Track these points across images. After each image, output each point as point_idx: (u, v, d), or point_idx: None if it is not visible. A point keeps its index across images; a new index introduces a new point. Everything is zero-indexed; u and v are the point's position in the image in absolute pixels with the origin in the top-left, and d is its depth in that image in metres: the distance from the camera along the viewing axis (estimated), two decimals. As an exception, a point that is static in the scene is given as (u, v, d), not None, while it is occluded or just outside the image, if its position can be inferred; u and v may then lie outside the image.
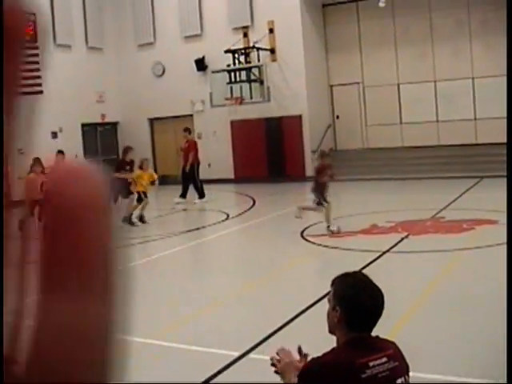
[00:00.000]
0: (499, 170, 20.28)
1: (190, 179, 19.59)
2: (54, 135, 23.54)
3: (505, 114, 21.99)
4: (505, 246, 10.35)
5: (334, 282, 3.24)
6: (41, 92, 21.84)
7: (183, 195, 19.43)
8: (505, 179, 18.52)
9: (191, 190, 19.36)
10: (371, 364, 2.97)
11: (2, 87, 0.37)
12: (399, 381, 2.99)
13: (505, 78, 21.93)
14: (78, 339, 0.32)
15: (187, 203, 18.96)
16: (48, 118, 22.74)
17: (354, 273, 3.36)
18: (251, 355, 6.39)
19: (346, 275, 3.27)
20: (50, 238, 0.35)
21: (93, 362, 0.33)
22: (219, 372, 5.97)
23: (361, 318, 3.09)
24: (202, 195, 19.52)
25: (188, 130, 20.36)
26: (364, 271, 9.53)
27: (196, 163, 19.69)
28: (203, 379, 5.78)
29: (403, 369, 3.06)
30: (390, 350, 3.07)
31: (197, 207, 18.86)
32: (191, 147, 19.77)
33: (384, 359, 3.00)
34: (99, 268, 0.36)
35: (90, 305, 0.34)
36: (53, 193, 0.36)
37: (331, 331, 3.18)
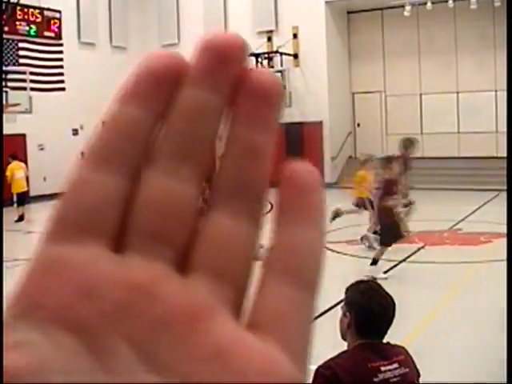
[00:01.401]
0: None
1: None
2: (75, 132, 23.67)
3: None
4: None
5: (347, 289, 3.30)
6: (63, 89, 22.04)
7: None
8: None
9: None
10: (383, 369, 2.99)
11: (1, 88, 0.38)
12: None
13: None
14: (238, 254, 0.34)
15: None
16: (70, 114, 22.92)
17: (367, 281, 3.42)
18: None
19: (358, 282, 3.36)
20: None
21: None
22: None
23: (371, 325, 3.13)
24: None
25: None
26: (381, 280, 9.56)
27: None
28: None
29: (414, 375, 3.09)
30: (401, 355, 3.10)
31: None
32: None
33: (395, 365, 3.03)
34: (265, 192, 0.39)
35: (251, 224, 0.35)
36: None
37: (343, 337, 3.23)
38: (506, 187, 19.69)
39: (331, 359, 3.04)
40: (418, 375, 3.15)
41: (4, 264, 10.07)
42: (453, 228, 13.95)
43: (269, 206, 0.37)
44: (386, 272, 10.09)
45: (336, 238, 13.09)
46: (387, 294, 3.28)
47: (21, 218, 16.51)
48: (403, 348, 3.21)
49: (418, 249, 11.84)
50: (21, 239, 13.88)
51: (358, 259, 11.48)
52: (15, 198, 17.05)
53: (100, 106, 23.49)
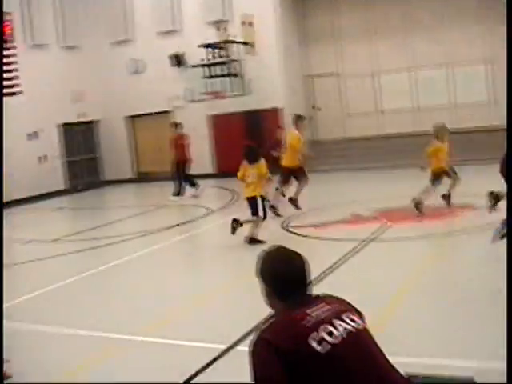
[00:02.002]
0: (478, 155, 20.45)
1: (182, 175, 19.54)
2: (32, 136, 23.35)
3: (482, 99, 22.31)
4: (486, 231, 10.47)
5: (257, 262, 3.31)
6: (19, 93, 21.72)
7: (177, 193, 19.37)
8: (485, 165, 18.72)
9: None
10: (310, 312, 3.03)
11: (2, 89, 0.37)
12: (345, 315, 3.05)
13: (481, 66, 22.24)
14: None
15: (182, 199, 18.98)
16: (26, 118, 22.63)
17: (269, 248, 3.36)
18: (239, 347, 6.40)
19: (265, 252, 3.33)
20: None
21: None
22: (207, 365, 5.99)
23: (285, 286, 3.16)
24: (192, 184, 19.66)
25: (174, 125, 20.23)
26: (347, 261, 9.62)
27: (183, 159, 19.56)
28: (192, 372, 5.79)
29: (348, 308, 3.16)
30: (327, 298, 3.19)
31: (178, 203, 18.77)
32: (176, 142, 19.71)
33: (323, 304, 3.10)
34: None
35: None
36: None
37: (272, 307, 3.25)
38: (468, 158, 19.92)
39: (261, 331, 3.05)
40: (356, 310, 3.21)
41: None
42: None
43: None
44: (353, 252, 10.12)
45: (300, 222, 13.10)
46: (293, 252, 3.29)
47: None
48: (333, 296, 3.28)
49: (383, 227, 11.89)
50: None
51: (324, 241, 11.51)
52: None
53: (56, 108, 23.30)
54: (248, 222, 12.00)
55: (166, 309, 8.25)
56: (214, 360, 6.12)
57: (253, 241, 11.61)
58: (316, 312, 3.03)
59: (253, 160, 12.09)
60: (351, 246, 10.44)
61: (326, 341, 2.91)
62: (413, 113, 23.62)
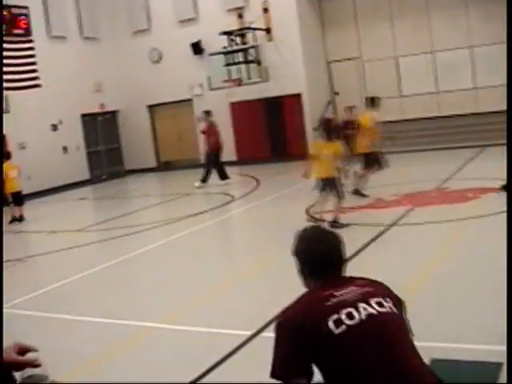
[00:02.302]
0: (501, 138, 20.26)
1: (213, 162, 19.43)
2: (54, 127, 23.51)
3: (504, 81, 22.02)
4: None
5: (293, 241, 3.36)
6: (39, 85, 21.84)
7: (204, 179, 19.25)
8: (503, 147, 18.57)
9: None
10: (337, 293, 3.05)
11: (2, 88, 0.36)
12: (374, 300, 3.03)
13: (503, 46, 21.93)
14: None
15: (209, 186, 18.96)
16: (47, 110, 22.76)
17: (305, 228, 3.40)
18: (264, 334, 6.41)
19: (298, 233, 3.38)
20: None
21: None
22: (233, 352, 6.00)
23: (318, 266, 3.21)
24: (222, 177, 19.45)
25: (207, 113, 20.12)
26: (372, 245, 9.59)
27: (217, 146, 19.46)
28: (217, 360, 5.81)
29: (381, 292, 3.12)
30: (360, 281, 3.17)
31: (203, 190, 18.80)
32: (210, 130, 19.57)
33: (353, 287, 3.09)
34: None
35: None
36: None
37: (307, 287, 3.32)
38: (490, 143, 19.81)
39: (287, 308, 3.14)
40: (392, 295, 3.18)
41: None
42: (440, 187, 13.98)
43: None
44: (376, 237, 10.10)
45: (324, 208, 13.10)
46: (327, 231, 3.39)
47: (20, 218, 16.26)
48: (365, 278, 3.25)
49: (408, 211, 11.85)
50: (11, 239, 13.78)
51: (350, 227, 11.49)
52: (10, 199, 16.78)
53: (77, 99, 23.45)
54: (336, 211, 11.46)
55: (192, 296, 8.27)
56: (240, 347, 6.13)
57: (335, 224, 10.93)
58: (343, 293, 3.05)
59: (331, 137, 11.43)
60: (375, 231, 10.41)
61: (343, 322, 2.94)
62: (433, 96, 23.40)
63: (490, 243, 9.20)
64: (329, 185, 11.41)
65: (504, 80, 21.93)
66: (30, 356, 2.43)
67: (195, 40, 24.40)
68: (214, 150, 19.32)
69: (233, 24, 23.18)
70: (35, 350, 2.48)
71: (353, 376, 2.93)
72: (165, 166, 26.66)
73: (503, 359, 3.96)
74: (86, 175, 24.74)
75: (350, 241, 10.04)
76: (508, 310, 4.01)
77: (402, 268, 8.19)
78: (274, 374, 2.99)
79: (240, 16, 23.57)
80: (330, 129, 11.76)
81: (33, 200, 20.52)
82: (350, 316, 2.96)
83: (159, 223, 13.97)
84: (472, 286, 7.29)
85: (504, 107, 21.54)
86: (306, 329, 2.94)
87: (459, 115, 22.48)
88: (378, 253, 9.34)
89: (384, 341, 2.95)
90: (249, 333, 6.41)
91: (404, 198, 13.23)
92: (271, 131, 24.13)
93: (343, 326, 2.93)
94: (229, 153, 24.58)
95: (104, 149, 26.13)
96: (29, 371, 2.41)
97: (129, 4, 25.98)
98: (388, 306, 3.06)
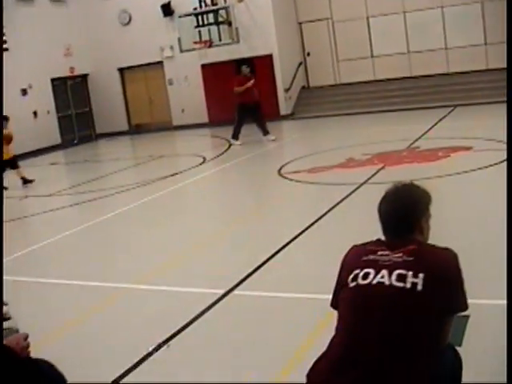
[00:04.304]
0: (471, 98, 20.44)
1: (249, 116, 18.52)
2: (24, 92, 23.25)
3: (476, 42, 22.11)
4: (481, 171, 10.53)
5: None
6: (6, 49, 21.52)
7: (236, 136, 18.57)
8: (478, 106, 18.71)
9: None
10: (380, 253, 3.17)
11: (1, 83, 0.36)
12: (397, 272, 3.03)
13: (473, 5, 21.98)
14: None
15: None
16: (16, 75, 22.45)
17: (392, 185, 3.46)
18: (236, 292, 6.49)
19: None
20: None
21: None
22: (206, 309, 6.07)
23: (383, 224, 3.32)
24: (265, 132, 18.50)
25: (239, 67, 19.48)
26: (342, 204, 9.68)
27: (246, 101, 18.40)
28: (190, 318, 5.88)
29: (414, 266, 3.03)
30: (413, 247, 3.14)
31: (172, 153, 18.75)
32: (241, 83, 18.56)
33: (395, 254, 3.12)
34: None
35: None
36: None
37: None
38: (460, 103, 19.92)
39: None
40: (427, 270, 3.03)
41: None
42: (411, 147, 14.08)
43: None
44: (347, 196, 10.19)
45: (296, 168, 13.17)
46: (401, 191, 3.41)
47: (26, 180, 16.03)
48: (418, 244, 3.18)
49: (378, 170, 11.94)
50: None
51: (321, 186, 11.57)
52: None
53: (46, 63, 23.11)
54: None
55: (166, 256, 8.32)
56: (213, 304, 6.20)
57: None
58: (383, 255, 3.15)
59: None
60: (347, 190, 10.50)
61: (357, 279, 3.10)
62: (405, 56, 23.42)
63: (460, 201, 9.33)
64: None
65: (474, 41, 22.09)
66: None
67: (165, 1, 24.13)
68: (243, 104, 18.50)
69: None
70: (5, 304, 2.50)
71: (336, 330, 3.14)
72: (136, 129, 26.51)
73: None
74: (58, 140, 24.51)
75: (321, 200, 10.17)
76: (508, 310, 4.09)
77: (371, 228, 8.28)
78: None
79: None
80: None
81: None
82: (365, 276, 3.09)
83: (132, 186, 13.94)
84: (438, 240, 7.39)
85: (474, 67, 21.77)
86: (341, 271, 3.27)
87: (430, 75, 22.57)
88: (348, 211, 9.43)
89: (381, 311, 2.98)
90: (221, 291, 6.48)
91: (375, 157, 13.32)
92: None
93: (354, 283, 3.10)
94: (200, 115, 24.52)
95: (75, 113, 25.88)
96: None
97: (97, -35, 25.55)
98: (411, 281, 2.99)
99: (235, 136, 18.46)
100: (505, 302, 4.43)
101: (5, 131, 15.99)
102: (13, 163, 16.18)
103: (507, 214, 5.06)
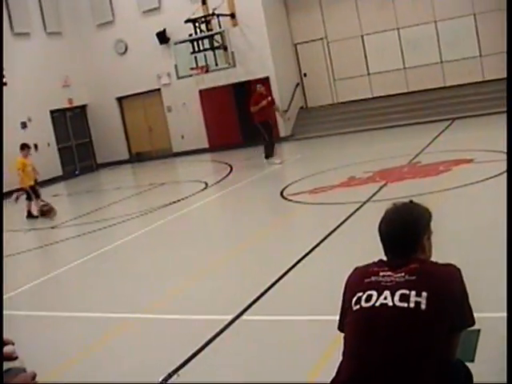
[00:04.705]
0: (469, 110, 20.48)
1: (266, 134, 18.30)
2: (24, 125, 23.32)
3: (471, 54, 22.19)
4: (484, 183, 10.51)
5: None
6: (4, 84, 21.63)
7: (272, 153, 18.25)
8: (476, 118, 18.70)
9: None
10: (381, 274, 3.14)
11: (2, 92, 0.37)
12: (400, 292, 3.01)
13: (467, 18, 22.09)
14: None
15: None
16: (15, 108, 22.54)
17: (392, 204, 3.40)
18: (244, 317, 6.46)
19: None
20: None
21: None
22: (215, 336, 6.04)
23: (384, 244, 3.29)
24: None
25: (256, 84, 19.40)
26: (346, 223, 9.65)
27: (262, 119, 18.33)
28: (200, 345, 5.85)
29: (417, 285, 3.01)
30: (415, 266, 3.10)
31: (174, 180, 18.76)
32: (257, 101, 18.48)
33: (397, 274, 3.10)
34: None
35: None
36: None
37: None
38: (458, 115, 19.94)
39: None
40: (431, 289, 3.00)
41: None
42: (412, 162, 14.08)
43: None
44: (351, 215, 10.17)
45: (298, 190, 13.17)
46: (402, 212, 3.33)
47: (33, 214, 15.78)
48: (422, 263, 3.15)
49: (381, 187, 11.94)
50: None
51: (324, 206, 11.56)
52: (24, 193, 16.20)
53: (45, 95, 23.20)
54: None
55: (172, 284, 8.29)
56: (222, 331, 6.17)
57: None
58: (385, 276, 3.13)
59: None
60: (351, 208, 10.48)
61: (360, 302, 3.08)
62: (401, 72, 23.49)
63: (464, 214, 9.31)
64: None
65: (469, 53, 22.18)
66: (6, 349, 2.44)
67: (160, 29, 24.29)
68: (262, 123, 18.43)
69: (197, 11, 23.07)
70: (12, 343, 2.49)
71: (343, 355, 3.12)
72: (137, 157, 26.56)
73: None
74: (59, 171, 24.57)
75: (325, 219, 10.15)
76: (508, 310, 4.07)
77: (377, 246, 8.25)
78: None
79: (204, 2, 23.48)
80: None
81: (5, 199, 20.37)
82: (368, 298, 3.07)
83: (135, 214, 13.95)
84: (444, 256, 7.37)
85: (471, 80, 21.84)
86: (345, 293, 3.27)
87: (427, 90, 22.64)
88: (352, 230, 9.41)
89: (378, 334, 2.98)
90: (229, 317, 6.45)
91: (377, 174, 13.32)
92: (241, 116, 24.09)
93: (358, 306, 3.09)
94: (200, 141, 24.58)
95: (75, 144, 25.97)
96: (6, 364, 2.41)
97: (91, -4, 25.74)
98: (414, 301, 2.97)
99: (270, 154, 18.23)
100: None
101: (26, 160, 15.91)
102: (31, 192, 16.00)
103: (507, 222, 5.03)
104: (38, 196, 16.03)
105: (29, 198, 15.98)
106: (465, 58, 22.30)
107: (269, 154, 18.23)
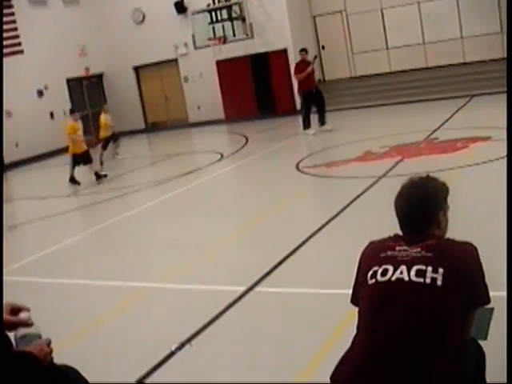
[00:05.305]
0: (488, 87, 20.25)
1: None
2: (40, 93, 23.33)
3: (492, 30, 21.93)
4: (500, 161, 10.42)
5: None
6: (21, 51, 21.62)
7: (307, 124, 17.92)
8: (495, 96, 18.54)
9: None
10: (397, 248, 3.12)
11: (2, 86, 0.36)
12: (417, 267, 2.99)
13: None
14: None
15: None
16: (32, 76, 22.54)
17: (408, 179, 3.37)
18: (258, 288, 6.47)
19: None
20: None
21: None
22: (228, 307, 6.06)
23: (400, 219, 3.27)
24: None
25: (304, 50, 18.62)
26: (361, 198, 9.63)
27: (307, 87, 17.92)
28: (213, 315, 5.87)
29: (434, 261, 3.00)
30: (432, 242, 3.09)
31: (189, 150, 18.74)
32: (301, 69, 18.02)
33: (414, 249, 3.08)
34: None
35: None
36: None
37: None
38: (477, 92, 19.77)
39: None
40: (447, 265, 2.98)
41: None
42: (429, 138, 13.99)
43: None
44: (366, 190, 10.13)
45: (313, 163, 13.13)
46: (422, 188, 3.28)
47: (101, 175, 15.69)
48: (437, 239, 3.14)
49: (397, 162, 11.88)
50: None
51: (339, 180, 11.52)
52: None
53: (61, 64, 23.17)
54: None
55: (187, 254, 8.31)
56: (235, 302, 6.19)
57: None
58: (401, 250, 3.11)
59: None
60: (366, 183, 10.44)
61: (376, 276, 3.06)
62: (420, 47, 23.27)
63: (481, 192, 9.26)
64: None
65: (489, 29, 21.91)
66: (22, 316, 2.45)
67: (179, -1, 24.14)
68: (304, 92, 18.06)
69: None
70: (27, 310, 2.50)
71: (357, 329, 3.12)
72: (153, 127, 26.54)
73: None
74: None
75: (340, 193, 10.13)
76: (508, 310, 4.05)
77: (392, 221, 8.23)
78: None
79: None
80: None
81: (21, 167, 20.48)
82: (384, 272, 3.05)
83: (150, 184, 13.97)
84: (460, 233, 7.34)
85: (490, 56, 21.60)
86: (359, 268, 3.24)
87: (446, 66, 22.43)
88: (367, 205, 9.38)
89: (394, 309, 2.97)
90: (242, 288, 6.47)
91: (393, 149, 13.25)
92: (258, 88, 23.99)
93: (373, 280, 3.07)
94: (216, 111, 24.51)
95: (91, 112, 25.95)
96: (22, 330, 2.43)
97: (109, -36, 25.58)
98: (430, 276, 2.96)
99: (307, 125, 17.91)
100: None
101: (76, 124, 16.23)
102: (86, 158, 15.95)
103: (507, 210, 4.97)
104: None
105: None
106: (485, 33, 22.03)
107: (305, 126, 17.88)
